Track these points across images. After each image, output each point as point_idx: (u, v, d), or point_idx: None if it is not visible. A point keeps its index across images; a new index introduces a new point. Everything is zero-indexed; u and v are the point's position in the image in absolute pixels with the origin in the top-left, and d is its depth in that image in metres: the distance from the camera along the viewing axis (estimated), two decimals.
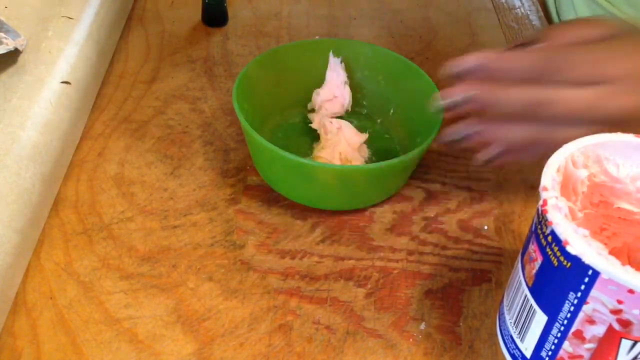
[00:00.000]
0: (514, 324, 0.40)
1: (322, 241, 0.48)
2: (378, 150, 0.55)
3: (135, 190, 0.51)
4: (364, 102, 0.57)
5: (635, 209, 0.40)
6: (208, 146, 0.54)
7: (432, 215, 0.51)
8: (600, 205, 0.40)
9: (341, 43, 0.57)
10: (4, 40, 0.51)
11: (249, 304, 0.44)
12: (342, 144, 0.53)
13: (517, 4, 0.73)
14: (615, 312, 0.34)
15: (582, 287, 0.34)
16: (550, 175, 0.37)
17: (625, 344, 0.35)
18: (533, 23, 0.70)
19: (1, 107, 0.48)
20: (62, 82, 0.52)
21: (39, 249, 0.46)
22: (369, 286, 0.46)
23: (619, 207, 0.40)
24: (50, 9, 0.57)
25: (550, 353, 0.38)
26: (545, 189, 0.36)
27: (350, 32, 0.67)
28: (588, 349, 0.36)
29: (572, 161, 0.39)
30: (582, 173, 0.40)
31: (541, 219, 0.37)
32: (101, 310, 0.43)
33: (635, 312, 0.34)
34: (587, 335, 0.36)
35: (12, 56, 0.52)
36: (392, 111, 0.56)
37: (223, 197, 0.51)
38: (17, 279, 0.44)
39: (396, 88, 0.56)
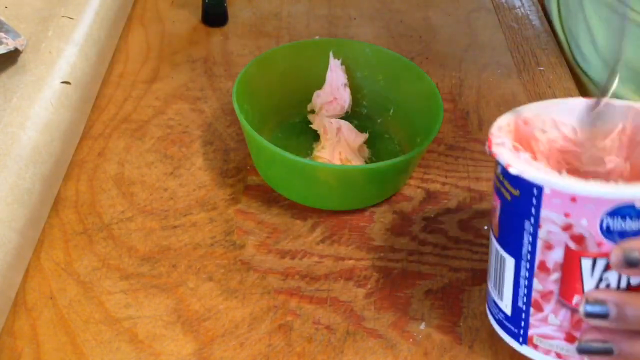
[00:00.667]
0: (494, 286, 0.40)
1: (322, 241, 0.48)
2: (378, 150, 0.55)
3: (135, 190, 0.51)
4: (364, 102, 0.57)
5: (601, 170, 0.41)
6: (208, 146, 0.54)
7: (432, 216, 0.51)
8: (569, 174, 0.41)
9: (341, 43, 0.57)
10: (4, 40, 0.51)
11: (249, 304, 0.44)
12: (342, 144, 0.53)
13: (517, 4, 0.73)
14: (566, 227, 0.35)
15: (533, 210, 0.35)
16: (497, 125, 0.39)
17: (586, 264, 0.35)
18: (533, 23, 0.70)
19: (1, 107, 0.48)
20: (62, 82, 0.52)
21: (39, 249, 0.46)
22: (369, 286, 0.46)
23: (586, 171, 0.41)
24: (50, 9, 0.57)
25: (525, 299, 0.38)
26: (492, 134, 0.38)
27: (350, 32, 0.67)
28: (555, 281, 0.37)
29: (523, 120, 0.41)
30: (533, 128, 0.41)
31: (496, 167, 0.38)
32: (101, 310, 0.43)
33: (584, 222, 0.34)
34: (550, 264, 0.36)
35: (12, 56, 0.52)
36: (392, 111, 0.56)
37: (223, 197, 0.51)
38: (17, 279, 0.44)
39: (396, 88, 0.56)
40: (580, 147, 0.42)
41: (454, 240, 0.49)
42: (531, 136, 0.41)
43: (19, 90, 0.50)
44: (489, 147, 0.38)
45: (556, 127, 0.42)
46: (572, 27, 0.68)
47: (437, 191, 0.52)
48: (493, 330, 0.44)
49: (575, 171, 0.42)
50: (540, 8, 0.73)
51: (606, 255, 0.35)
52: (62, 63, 0.53)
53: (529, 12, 0.72)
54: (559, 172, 0.35)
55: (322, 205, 0.50)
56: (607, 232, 0.35)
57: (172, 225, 0.48)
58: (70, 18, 0.56)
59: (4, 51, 0.51)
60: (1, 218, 0.43)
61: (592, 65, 0.66)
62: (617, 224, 0.34)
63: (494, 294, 0.40)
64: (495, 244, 0.39)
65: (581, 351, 0.36)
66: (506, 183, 0.37)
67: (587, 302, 0.35)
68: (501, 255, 0.39)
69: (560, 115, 0.41)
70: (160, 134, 0.55)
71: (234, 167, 0.53)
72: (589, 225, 0.35)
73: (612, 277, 0.36)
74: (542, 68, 0.65)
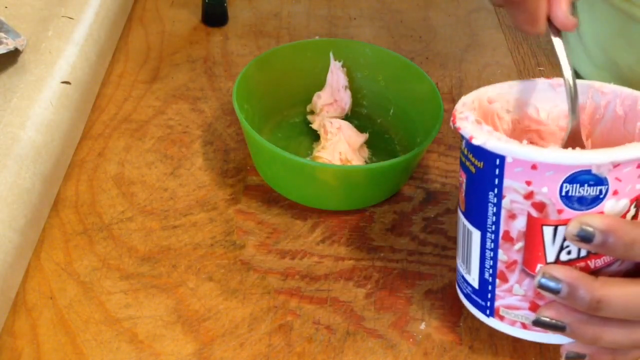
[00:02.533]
0: (462, 261, 0.41)
1: (322, 241, 0.48)
2: (378, 150, 0.55)
3: (135, 190, 0.51)
4: (364, 102, 0.57)
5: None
6: (208, 146, 0.54)
7: (432, 215, 0.51)
8: None
9: (341, 43, 0.57)
10: (4, 40, 0.51)
11: (249, 304, 0.44)
12: (342, 144, 0.53)
13: None
14: (528, 195, 0.36)
15: (496, 180, 0.36)
16: (461, 102, 0.40)
17: (547, 231, 0.36)
18: None
19: (1, 107, 0.48)
20: (62, 82, 0.52)
21: (39, 249, 0.46)
22: (369, 286, 0.46)
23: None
24: (50, 9, 0.57)
25: (491, 271, 0.39)
26: (456, 110, 0.39)
27: (350, 32, 0.67)
28: (518, 250, 0.37)
29: (487, 98, 0.42)
30: (496, 105, 0.42)
31: (461, 142, 0.39)
32: (101, 310, 0.43)
33: (544, 190, 0.35)
34: (513, 233, 0.37)
35: (12, 56, 0.52)
36: (392, 111, 0.56)
37: (223, 197, 0.51)
38: (17, 279, 0.44)
39: (396, 88, 0.56)
40: (543, 126, 0.43)
41: (454, 240, 0.49)
42: (495, 114, 0.42)
43: (19, 90, 0.50)
44: (453, 121, 0.38)
45: (519, 107, 0.43)
46: None
47: (437, 191, 0.52)
48: (493, 330, 0.44)
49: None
50: None
51: (567, 222, 0.36)
52: (62, 63, 0.53)
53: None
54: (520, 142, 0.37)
55: (323, 205, 0.50)
56: (567, 199, 0.35)
57: (172, 225, 0.48)
58: (70, 18, 0.56)
59: (4, 51, 0.51)
60: (1, 218, 0.43)
61: (579, 60, 0.67)
62: (576, 190, 0.35)
63: (462, 269, 0.41)
64: (462, 219, 0.40)
65: (537, 324, 0.37)
66: (470, 156, 0.37)
67: (544, 275, 0.36)
68: (468, 229, 0.39)
69: (523, 96, 0.42)
70: (160, 134, 0.55)
71: (234, 167, 0.53)
72: (549, 192, 0.35)
73: (573, 245, 0.36)
74: (542, 68, 0.65)
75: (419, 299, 0.45)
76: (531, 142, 0.43)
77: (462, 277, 0.41)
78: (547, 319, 0.37)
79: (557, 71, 0.64)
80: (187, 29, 0.65)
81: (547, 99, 0.43)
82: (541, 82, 0.43)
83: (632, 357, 0.38)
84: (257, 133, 0.47)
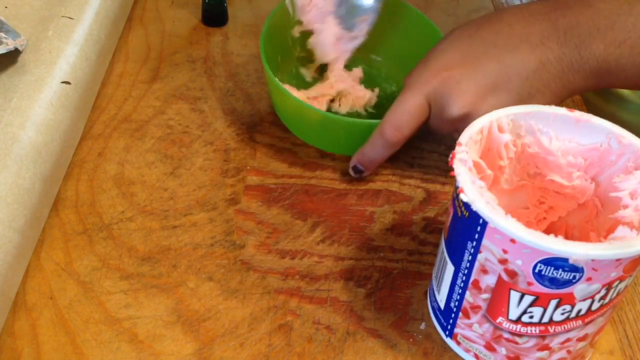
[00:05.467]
0: (435, 277, 0.42)
1: (322, 241, 0.48)
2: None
3: (135, 190, 0.51)
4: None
5: (566, 182, 0.43)
6: (208, 146, 0.54)
7: (432, 215, 0.51)
8: (536, 177, 0.43)
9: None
10: (4, 40, 0.51)
11: (249, 304, 0.44)
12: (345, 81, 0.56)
13: (517, 4, 0.73)
14: (502, 261, 0.36)
15: (476, 235, 0.37)
16: (468, 134, 0.40)
17: (514, 295, 0.37)
18: None
19: (1, 107, 0.48)
20: (62, 82, 0.52)
21: (39, 249, 0.46)
22: (369, 286, 0.46)
23: (551, 180, 0.43)
24: (50, 9, 0.57)
25: (457, 303, 0.40)
26: (460, 144, 0.39)
27: None
28: (484, 300, 0.38)
29: (497, 125, 0.41)
30: (506, 137, 0.42)
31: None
32: (101, 310, 0.43)
33: (519, 262, 0.36)
34: (483, 285, 0.38)
35: (12, 56, 0.52)
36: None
37: (223, 197, 0.51)
38: (17, 279, 0.44)
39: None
40: (551, 157, 0.42)
41: None
42: (503, 143, 0.42)
43: (19, 90, 0.50)
44: (451, 161, 0.38)
45: (533, 134, 0.42)
46: None
47: (437, 191, 0.52)
48: None
49: (541, 177, 0.43)
50: None
51: (535, 294, 0.36)
52: (62, 63, 0.53)
53: None
54: (506, 213, 0.36)
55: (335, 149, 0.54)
56: (539, 277, 0.36)
57: (172, 225, 0.48)
58: (70, 18, 0.56)
59: (4, 51, 0.51)
60: (1, 218, 0.43)
61: None
62: (549, 271, 0.35)
63: (434, 283, 0.42)
64: (442, 244, 0.41)
65: None
66: (460, 200, 0.37)
67: None
68: (445, 258, 0.40)
69: (539, 123, 0.42)
70: (160, 134, 0.55)
71: (234, 167, 0.53)
72: (523, 265, 0.36)
73: (536, 311, 0.37)
74: None
75: (419, 299, 0.45)
76: (537, 169, 0.43)
77: (433, 290, 0.43)
78: None
79: None
80: (187, 29, 0.65)
81: (565, 131, 0.42)
82: (560, 111, 0.42)
83: None
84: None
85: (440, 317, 0.42)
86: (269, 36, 0.53)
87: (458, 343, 0.41)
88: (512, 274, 0.36)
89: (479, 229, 0.37)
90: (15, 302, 0.43)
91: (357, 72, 0.58)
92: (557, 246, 0.34)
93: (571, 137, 0.42)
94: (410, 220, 0.50)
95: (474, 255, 0.38)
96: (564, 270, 0.35)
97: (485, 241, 0.37)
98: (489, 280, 0.37)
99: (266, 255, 0.47)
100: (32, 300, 0.43)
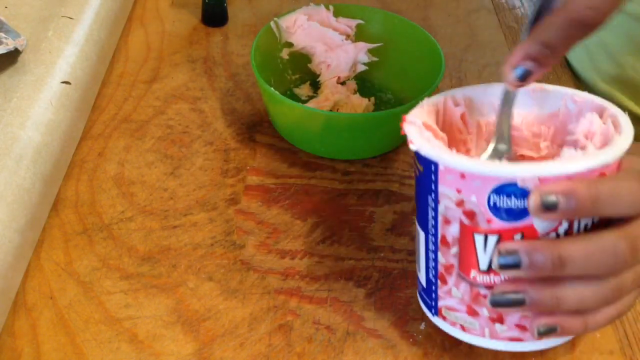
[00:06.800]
0: (416, 260, 0.42)
1: (322, 241, 0.48)
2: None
3: (135, 190, 0.51)
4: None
5: (535, 155, 0.43)
6: (208, 146, 0.54)
7: None
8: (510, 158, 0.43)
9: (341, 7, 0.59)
10: (4, 40, 0.51)
11: (249, 304, 0.44)
12: (339, 91, 0.56)
13: (517, 4, 0.73)
14: (459, 203, 0.37)
15: (433, 186, 0.38)
16: (421, 104, 0.41)
17: (479, 240, 0.37)
18: None
19: (1, 107, 0.48)
20: (62, 82, 0.52)
21: (39, 249, 0.46)
22: (369, 286, 0.46)
23: (522, 155, 0.43)
24: (50, 9, 0.57)
25: (433, 272, 0.40)
26: (410, 115, 0.40)
27: None
28: (454, 255, 0.38)
29: (452, 100, 0.43)
30: (460, 109, 0.43)
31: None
32: (101, 310, 0.43)
33: (473, 199, 0.36)
34: (449, 237, 0.38)
35: (12, 56, 0.52)
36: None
37: (223, 197, 0.51)
38: (17, 279, 0.44)
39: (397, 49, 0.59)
40: (515, 132, 0.43)
41: None
42: (459, 114, 0.43)
43: (19, 90, 0.50)
44: (401, 124, 0.39)
45: (494, 111, 0.43)
46: None
47: None
48: None
49: (513, 155, 0.43)
50: None
51: (496, 232, 0.36)
52: (62, 63, 0.53)
53: (529, 12, 0.72)
54: (451, 150, 0.37)
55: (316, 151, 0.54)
56: (495, 210, 0.36)
57: (172, 225, 0.48)
58: (70, 18, 0.56)
59: (4, 51, 0.51)
60: (1, 218, 0.43)
61: (576, 52, 0.67)
62: (503, 201, 0.36)
63: (417, 268, 0.42)
64: (415, 220, 0.41)
65: (494, 304, 0.37)
66: (416, 160, 0.39)
67: (500, 254, 0.36)
68: (417, 230, 0.41)
69: (496, 100, 0.42)
70: (160, 134, 0.55)
71: (234, 167, 0.53)
72: (478, 201, 0.36)
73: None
74: None
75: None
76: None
77: (418, 277, 0.43)
78: (504, 296, 0.37)
79: (556, 71, 0.64)
80: (187, 29, 0.65)
81: (523, 104, 0.42)
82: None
83: (603, 318, 0.38)
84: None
85: (425, 296, 0.42)
86: (259, 59, 0.53)
87: (444, 318, 0.41)
88: (471, 215, 0.37)
89: (433, 177, 0.37)
90: (15, 302, 0.43)
91: (351, 84, 0.58)
92: (503, 169, 0.35)
93: (530, 109, 0.43)
94: (410, 220, 0.50)
95: (436, 209, 0.38)
96: (516, 197, 0.35)
97: (441, 188, 0.37)
98: (453, 230, 0.38)
99: (266, 255, 0.47)
100: (32, 300, 0.43)
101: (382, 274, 0.47)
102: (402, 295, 0.45)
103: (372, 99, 0.58)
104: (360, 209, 0.51)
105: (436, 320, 0.41)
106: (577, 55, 0.67)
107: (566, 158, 0.38)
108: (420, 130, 0.39)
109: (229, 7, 0.67)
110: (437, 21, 0.69)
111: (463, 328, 0.40)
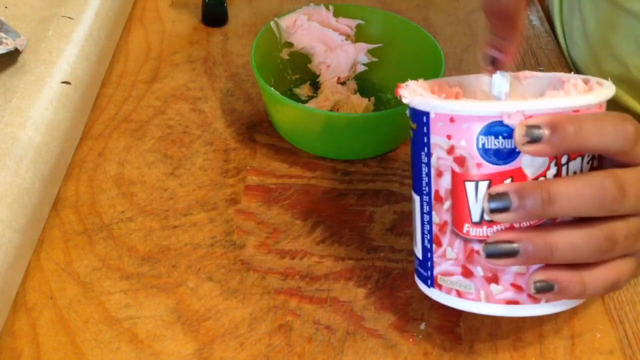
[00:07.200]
0: (413, 238, 0.42)
1: (322, 241, 0.48)
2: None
3: (135, 190, 0.51)
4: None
5: None
6: (208, 146, 0.54)
7: None
8: None
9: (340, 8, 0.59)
10: (4, 40, 0.51)
11: (249, 304, 0.44)
12: (339, 91, 0.56)
13: None
14: (450, 150, 0.37)
15: (425, 139, 0.39)
16: (414, 81, 0.42)
17: (470, 188, 0.37)
18: (533, 23, 0.70)
19: (1, 107, 0.48)
20: (62, 82, 0.52)
21: (39, 249, 0.46)
22: (369, 286, 0.46)
23: None
24: (50, 9, 0.57)
25: (428, 237, 0.40)
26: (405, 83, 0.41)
27: None
28: (447, 210, 0.38)
29: (447, 83, 0.44)
30: (455, 89, 0.44)
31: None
32: (101, 310, 0.43)
33: (463, 143, 0.37)
34: (442, 192, 0.38)
35: (12, 56, 0.52)
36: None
37: (223, 197, 0.51)
38: (17, 279, 0.44)
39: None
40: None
41: None
42: (456, 96, 0.44)
43: (19, 90, 0.50)
44: (396, 90, 0.40)
45: (487, 97, 0.44)
46: (569, 21, 0.69)
47: None
48: (493, 330, 0.44)
49: None
50: (540, 8, 0.73)
51: (487, 177, 0.37)
52: (62, 63, 0.53)
53: (529, 12, 0.72)
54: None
55: (315, 150, 0.54)
56: (484, 152, 0.37)
57: (172, 225, 0.48)
58: (70, 18, 0.56)
59: (4, 51, 0.51)
60: (1, 218, 0.43)
61: (581, 53, 0.67)
62: (491, 142, 0.36)
63: (414, 246, 0.42)
64: (412, 194, 0.42)
65: (488, 255, 0.37)
66: (410, 121, 0.40)
67: (490, 198, 0.36)
68: (413, 199, 0.41)
69: (488, 87, 0.43)
70: (160, 134, 0.55)
71: (234, 167, 0.53)
72: (467, 145, 0.37)
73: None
74: (542, 68, 0.65)
75: (419, 299, 0.45)
76: None
77: (414, 254, 0.42)
78: (497, 246, 0.37)
79: (556, 70, 0.64)
80: (187, 29, 0.65)
81: (514, 93, 0.43)
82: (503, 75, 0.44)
83: (601, 279, 0.37)
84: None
85: (421, 269, 0.41)
86: (259, 59, 0.53)
87: (440, 287, 0.40)
88: (462, 161, 0.37)
89: (425, 129, 0.38)
90: (15, 302, 0.43)
91: (351, 84, 0.59)
92: (489, 106, 0.36)
93: (521, 95, 0.43)
94: (410, 220, 0.50)
95: (429, 165, 0.39)
96: (504, 138, 0.36)
97: (432, 139, 0.38)
98: (445, 182, 0.38)
99: (266, 255, 0.47)
100: (32, 300, 0.43)
101: (382, 274, 0.47)
102: (402, 295, 0.45)
103: (372, 99, 0.58)
104: (360, 209, 0.51)
105: (432, 292, 0.41)
106: (581, 56, 0.67)
107: (550, 96, 0.39)
108: (413, 89, 0.40)
109: (229, 7, 0.67)
110: (437, 21, 0.69)
111: (459, 293, 0.39)
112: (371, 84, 0.60)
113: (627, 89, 0.63)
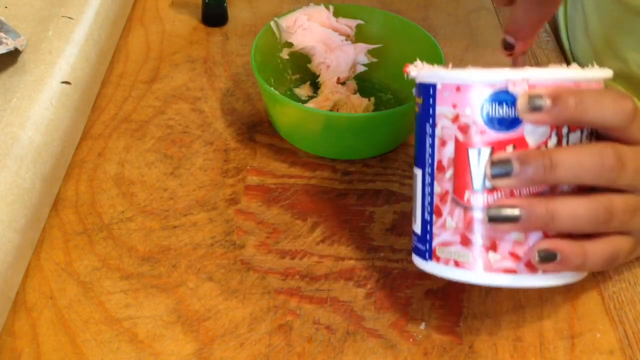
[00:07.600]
0: (413, 216, 0.42)
1: (322, 241, 0.48)
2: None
3: (135, 190, 0.51)
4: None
5: None
6: (208, 146, 0.54)
7: None
8: None
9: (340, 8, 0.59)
10: (4, 40, 0.51)
11: (249, 304, 0.44)
12: (340, 92, 0.56)
13: None
14: (455, 119, 0.38)
15: (430, 110, 0.39)
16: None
17: (473, 155, 0.38)
18: None
19: (1, 107, 0.49)
20: (62, 82, 0.52)
21: (39, 249, 0.46)
22: (369, 286, 0.46)
23: None
24: (50, 9, 0.57)
25: (429, 208, 0.40)
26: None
27: None
28: (449, 179, 0.39)
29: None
30: None
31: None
32: (101, 310, 0.43)
33: (468, 111, 0.38)
34: (445, 161, 0.39)
35: (12, 56, 0.52)
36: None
37: (223, 197, 0.51)
38: (17, 279, 0.44)
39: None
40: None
41: None
42: None
43: (19, 90, 0.50)
44: (404, 70, 0.41)
45: None
46: (573, 17, 0.69)
47: None
48: (493, 330, 0.44)
49: None
50: None
51: (489, 144, 0.38)
52: (62, 63, 0.53)
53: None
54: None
55: (316, 151, 0.54)
56: (488, 120, 0.37)
57: (172, 225, 0.48)
58: (70, 18, 0.56)
59: (4, 51, 0.51)
60: (1, 218, 0.43)
61: (582, 48, 0.67)
62: (495, 110, 0.37)
63: (413, 224, 0.42)
64: (414, 171, 0.42)
65: (491, 219, 0.38)
66: (415, 98, 0.41)
67: (492, 164, 0.37)
68: (415, 175, 0.42)
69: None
70: (160, 134, 0.55)
71: (234, 167, 0.53)
72: (472, 113, 0.38)
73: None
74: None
75: (419, 299, 0.45)
76: None
77: (413, 232, 0.43)
78: (499, 211, 0.37)
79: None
80: (187, 29, 0.65)
81: None
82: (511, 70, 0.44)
83: (600, 251, 0.38)
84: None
85: (420, 245, 0.41)
86: (259, 59, 0.53)
87: (438, 259, 0.40)
88: (465, 129, 0.38)
89: (431, 101, 0.39)
90: (15, 302, 0.43)
91: (351, 84, 0.59)
92: (495, 74, 0.37)
93: None
94: (410, 220, 0.50)
95: (433, 136, 0.39)
96: (507, 106, 0.37)
97: (438, 109, 0.39)
98: (449, 152, 0.39)
99: (266, 255, 0.47)
100: (32, 300, 0.43)
101: (382, 274, 0.47)
102: (402, 295, 0.45)
103: (372, 99, 0.58)
104: (360, 209, 0.51)
105: (430, 266, 0.41)
106: (582, 51, 0.68)
107: (554, 68, 0.40)
108: (421, 66, 0.41)
109: (229, 7, 0.67)
110: (437, 21, 0.69)
111: (457, 264, 0.39)
112: (371, 84, 0.59)
113: (626, 84, 0.63)
